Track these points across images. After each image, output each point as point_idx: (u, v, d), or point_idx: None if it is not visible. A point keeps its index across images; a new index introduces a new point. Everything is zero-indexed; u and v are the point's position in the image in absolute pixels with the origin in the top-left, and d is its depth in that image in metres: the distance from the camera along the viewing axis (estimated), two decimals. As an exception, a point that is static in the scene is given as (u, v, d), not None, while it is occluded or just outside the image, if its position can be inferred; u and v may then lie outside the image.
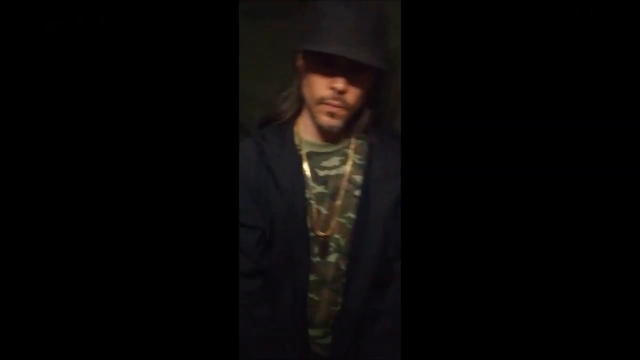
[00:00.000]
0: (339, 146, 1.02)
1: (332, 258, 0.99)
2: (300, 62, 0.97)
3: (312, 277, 0.99)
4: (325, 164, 1.01)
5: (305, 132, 1.03)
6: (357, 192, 1.00)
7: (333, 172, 1.01)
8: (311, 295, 0.99)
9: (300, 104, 1.01)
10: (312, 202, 0.99)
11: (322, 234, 0.98)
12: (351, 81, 0.92)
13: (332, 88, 0.92)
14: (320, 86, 0.93)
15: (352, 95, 0.94)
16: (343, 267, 0.99)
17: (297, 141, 1.02)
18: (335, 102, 0.93)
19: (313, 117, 0.98)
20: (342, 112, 0.95)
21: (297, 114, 1.02)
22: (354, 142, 1.03)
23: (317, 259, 0.99)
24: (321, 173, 1.01)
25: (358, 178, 1.01)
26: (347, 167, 1.01)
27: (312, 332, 1.01)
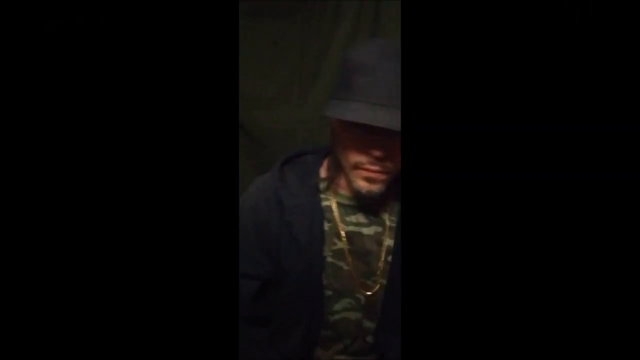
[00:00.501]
0: (376, 218, 0.93)
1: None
2: (334, 123, 0.88)
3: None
4: (350, 218, 0.93)
5: (339, 186, 0.93)
6: (389, 258, 0.92)
7: (357, 229, 0.92)
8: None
9: (340, 167, 0.90)
10: (330, 260, 0.91)
11: (367, 293, 0.91)
12: (390, 146, 0.82)
13: (370, 154, 0.83)
14: (356, 151, 0.84)
15: (393, 160, 0.84)
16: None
17: (323, 194, 0.93)
18: (374, 168, 0.84)
19: (350, 181, 0.88)
20: (381, 177, 0.86)
21: (331, 171, 0.93)
22: (386, 200, 0.93)
23: (339, 315, 0.92)
24: (344, 229, 0.92)
25: (387, 241, 0.92)
26: (375, 227, 0.92)
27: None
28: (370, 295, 0.91)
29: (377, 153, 0.82)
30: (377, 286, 0.91)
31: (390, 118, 0.77)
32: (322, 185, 0.93)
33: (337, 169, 0.90)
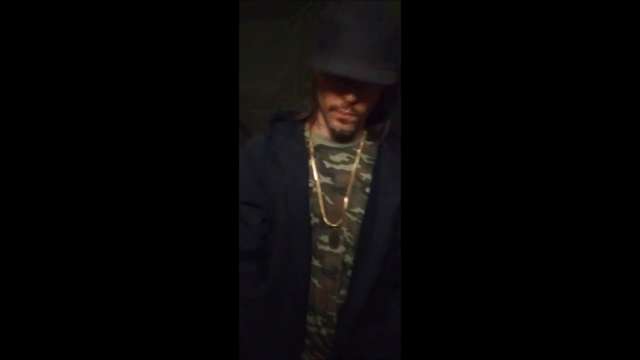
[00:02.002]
0: (348, 144, 1.07)
1: (339, 250, 1.02)
2: (317, 74, 1.02)
3: (315, 263, 1.02)
4: (332, 158, 1.06)
5: (317, 129, 1.09)
6: (367, 189, 1.04)
7: (340, 167, 1.05)
8: (313, 280, 1.02)
9: (315, 107, 1.07)
10: (316, 191, 1.03)
11: (332, 224, 1.02)
12: (362, 93, 0.99)
13: (343, 98, 0.98)
14: (332, 96, 1.00)
15: (363, 105, 1.01)
16: (349, 260, 1.02)
17: (307, 135, 1.08)
18: (346, 111, 1.00)
19: (326, 121, 1.05)
20: (352, 119, 1.02)
21: (312, 115, 1.08)
22: (363, 143, 1.08)
23: (324, 247, 1.02)
24: (328, 165, 1.05)
25: (365, 176, 1.05)
26: (355, 165, 1.05)
27: (310, 319, 1.03)
28: (344, 226, 1.02)
29: (350, 98, 0.97)
30: (355, 218, 1.03)
31: (364, 71, 0.92)
32: (307, 132, 1.08)
33: (317, 111, 1.07)
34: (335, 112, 1.00)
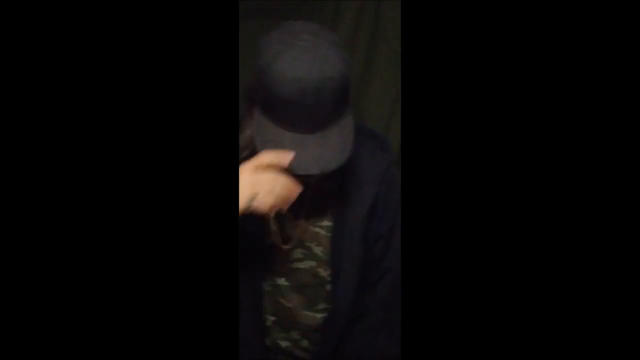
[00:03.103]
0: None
1: (305, 265, 0.98)
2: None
3: (280, 282, 0.99)
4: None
5: None
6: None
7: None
8: (281, 300, 0.99)
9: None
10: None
11: (285, 247, 0.96)
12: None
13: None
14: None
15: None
16: (323, 274, 0.98)
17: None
18: None
19: None
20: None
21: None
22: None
23: (290, 264, 0.98)
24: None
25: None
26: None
27: (285, 336, 1.01)
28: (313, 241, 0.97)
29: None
30: (324, 232, 0.96)
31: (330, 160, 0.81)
32: None
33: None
34: None
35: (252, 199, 0.81)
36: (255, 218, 0.86)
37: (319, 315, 0.99)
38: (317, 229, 0.98)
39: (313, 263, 0.99)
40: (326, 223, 0.98)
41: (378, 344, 0.99)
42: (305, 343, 1.01)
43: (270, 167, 0.81)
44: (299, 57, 0.79)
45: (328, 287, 0.98)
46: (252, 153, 0.85)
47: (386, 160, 1.01)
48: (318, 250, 0.98)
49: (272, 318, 1.00)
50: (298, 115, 0.81)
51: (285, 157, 0.81)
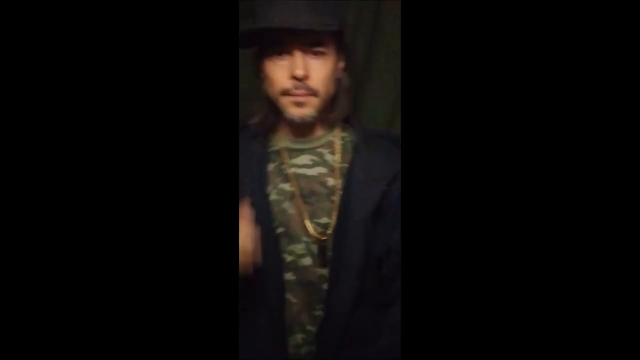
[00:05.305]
0: (313, 144, 0.98)
1: (306, 261, 0.95)
2: (258, 60, 0.93)
3: (287, 277, 0.94)
4: (294, 161, 0.97)
5: (281, 130, 0.98)
6: (333, 197, 0.95)
7: (301, 171, 0.96)
8: (288, 295, 0.94)
9: (271, 106, 0.95)
10: (274, 198, 0.94)
11: (312, 237, 0.93)
12: (311, 65, 0.89)
13: (293, 77, 0.88)
14: (280, 78, 0.89)
15: (316, 79, 0.89)
16: (321, 272, 0.94)
17: (270, 138, 0.98)
18: (300, 92, 0.89)
19: (282, 112, 0.93)
20: (310, 100, 0.90)
21: (266, 118, 0.97)
22: (331, 141, 0.98)
23: (295, 259, 0.94)
24: (288, 170, 0.96)
25: (332, 181, 0.96)
26: (319, 169, 0.96)
27: (291, 339, 0.95)
28: (315, 239, 0.93)
29: (298, 72, 0.87)
30: (321, 229, 0.94)
31: (305, 19, 0.83)
32: (270, 135, 0.98)
33: (272, 110, 0.95)
34: (288, 97, 0.90)
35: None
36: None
37: (315, 314, 0.94)
38: (315, 225, 0.94)
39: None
40: (325, 220, 0.94)
41: None
42: (305, 349, 0.95)
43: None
44: None
45: (325, 286, 0.93)
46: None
47: (400, 161, 0.95)
48: (314, 247, 0.94)
49: (280, 230, 0.95)
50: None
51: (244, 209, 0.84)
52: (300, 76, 0.87)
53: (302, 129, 0.96)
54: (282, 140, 0.98)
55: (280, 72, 0.89)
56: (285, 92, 0.90)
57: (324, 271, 0.94)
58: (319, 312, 0.95)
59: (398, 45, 1.22)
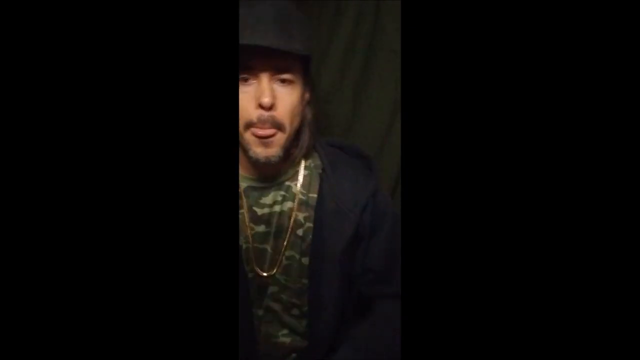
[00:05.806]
0: (280, 179, 0.94)
1: (271, 292, 0.96)
2: None
3: (259, 313, 0.96)
4: (264, 200, 0.93)
5: (242, 169, 0.93)
6: (300, 232, 0.94)
7: (276, 209, 0.94)
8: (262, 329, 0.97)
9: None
10: (248, 244, 0.93)
11: (263, 273, 0.94)
12: (278, 92, 0.84)
13: (259, 105, 0.83)
14: (245, 108, 0.84)
15: (282, 111, 0.85)
16: (295, 311, 0.97)
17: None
18: (265, 125, 0.84)
19: (246, 150, 0.87)
20: (276, 138, 0.85)
21: None
22: (298, 172, 0.95)
23: (266, 300, 0.96)
24: (260, 212, 0.93)
25: (301, 216, 0.94)
26: (289, 204, 0.94)
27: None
28: (267, 275, 0.93)
29: (265, 100, 0.81)
30: (280, 262, 0.93)
31: (278, 40, 0.80)
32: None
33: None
34: (254, 130, 0.84)
35: None
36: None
37: (294, 344, 0.97)
38: (287, 261, 0.93)
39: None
40: (294, 255, 0.93)
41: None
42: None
43: None
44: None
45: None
46: None
47: (371, 185, 0.96)
48: (287, 282, 0.94)
49: (250, 275, 0.94)
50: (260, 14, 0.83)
51: None
52: (267, 104, 0.82)
53: (266, 167, 0.90)
54: (245, 180, 0.93)
55: (246, 100, 0.84)
56: (249, 125, 0.85)
57: (296, 310, 0.95)
58: (299, 344, 0.97)
59: (398, 45, 1.22)
